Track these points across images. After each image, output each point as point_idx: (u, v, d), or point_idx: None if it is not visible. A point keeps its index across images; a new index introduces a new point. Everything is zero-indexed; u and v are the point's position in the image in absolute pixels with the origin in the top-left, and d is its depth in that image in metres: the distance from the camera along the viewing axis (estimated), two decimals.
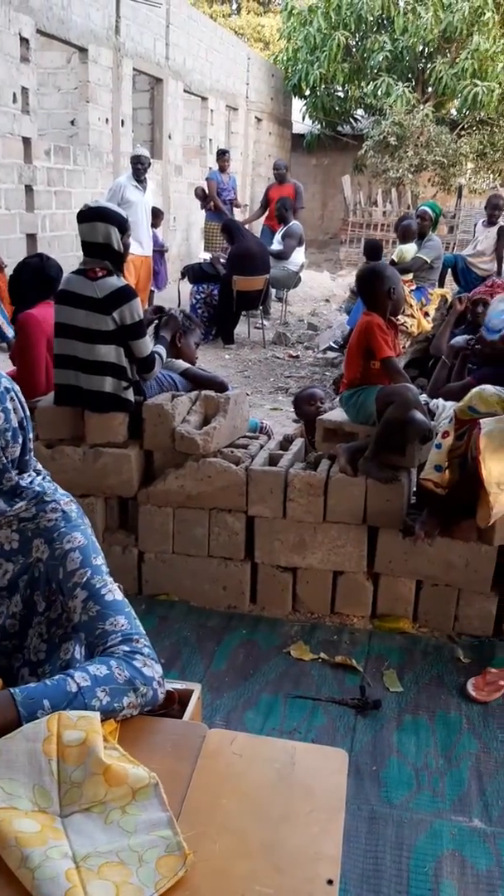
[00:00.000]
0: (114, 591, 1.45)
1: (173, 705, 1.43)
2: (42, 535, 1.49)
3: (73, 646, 1.55)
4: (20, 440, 1.47)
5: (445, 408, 3.38)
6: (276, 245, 9.45)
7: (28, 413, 1.50)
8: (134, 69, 11.80)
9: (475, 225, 8.24)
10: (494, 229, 7.97)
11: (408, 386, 3.24)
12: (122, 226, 3.25)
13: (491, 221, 8.03)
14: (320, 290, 12.54)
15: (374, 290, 3.44)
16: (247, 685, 2.86)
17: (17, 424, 1.45)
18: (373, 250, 7.76)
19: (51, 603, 1.52)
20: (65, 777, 1.16)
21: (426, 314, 6.91)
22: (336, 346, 7.94)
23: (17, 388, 1.48)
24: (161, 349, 3.52)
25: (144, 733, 1.29)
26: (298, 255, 9.58)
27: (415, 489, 3.34)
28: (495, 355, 3.57)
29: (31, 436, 1.51)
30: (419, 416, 3.15)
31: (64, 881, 1.00)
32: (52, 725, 1.18)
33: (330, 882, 1.00)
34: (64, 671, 1.33)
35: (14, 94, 8.83)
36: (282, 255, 9.27)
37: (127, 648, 1.36)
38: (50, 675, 1.35)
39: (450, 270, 8.14)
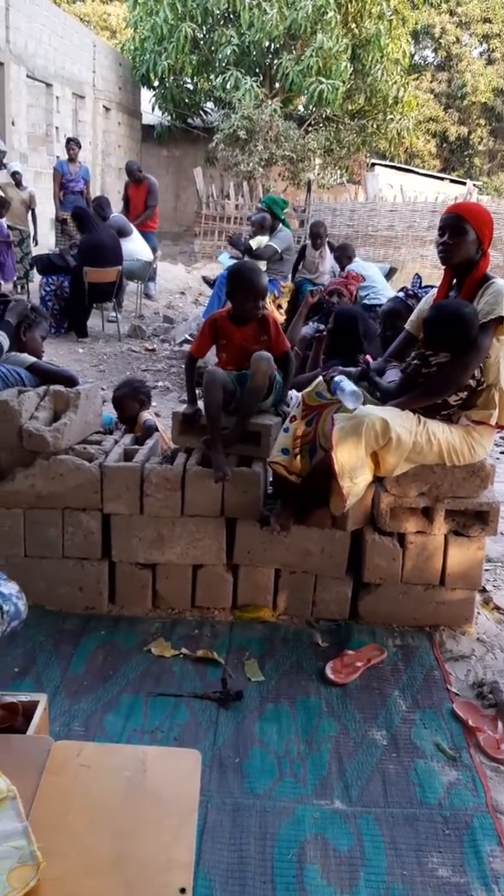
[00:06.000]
0: None
1: (16, 718, 1.35)
2: None
3: None
4: None
5: (299, 398, 3.42)
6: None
7: None
8: None
9: (304, 248, 7.99)
10: (323, 249, 7.84)
11: (211, 370, 3.25)
12: None
13: (315, 245, 7.87)
14: (175, 283, 12.45)
15: (242, 290, 3.32)
16: (106, 687, 2.78)
17: None
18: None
19: None
20: None
21: (279, 306, 7.01)
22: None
23: None
24: (3, 336, 3.36)
25: None
26: (143, 246, 9.33)
27: (271, 479, 3.37)
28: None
29: None
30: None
31: None
32: None
33: (182, 891, 0.97)
34: None
35: None
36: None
37: None
38: None
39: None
